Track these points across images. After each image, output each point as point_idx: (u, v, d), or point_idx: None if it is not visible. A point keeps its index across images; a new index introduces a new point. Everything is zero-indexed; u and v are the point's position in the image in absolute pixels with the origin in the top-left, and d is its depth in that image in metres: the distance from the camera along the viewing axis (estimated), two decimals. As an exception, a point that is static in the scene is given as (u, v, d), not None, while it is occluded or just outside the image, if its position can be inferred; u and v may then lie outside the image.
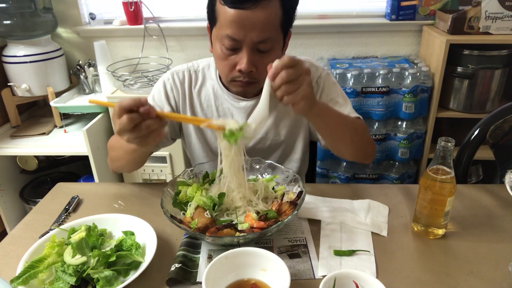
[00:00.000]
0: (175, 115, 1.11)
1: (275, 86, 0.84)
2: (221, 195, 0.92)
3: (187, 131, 1.21)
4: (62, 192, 1.12)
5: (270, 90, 0.85)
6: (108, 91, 2.11)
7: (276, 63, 0.83)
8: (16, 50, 2.02)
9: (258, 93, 1.14)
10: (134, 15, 2.19)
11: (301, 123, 1.20)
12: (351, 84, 1.98)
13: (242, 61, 0.97)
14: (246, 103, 1.15)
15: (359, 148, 1.10)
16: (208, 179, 1.03)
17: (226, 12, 0.93)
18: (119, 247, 0.83)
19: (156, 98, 1.18)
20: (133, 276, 0.76)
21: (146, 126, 0.82)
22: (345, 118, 1.07)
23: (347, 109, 1.14)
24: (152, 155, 1.16)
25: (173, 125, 1.20)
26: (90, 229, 0.87)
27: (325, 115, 0.98)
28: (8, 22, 1.97)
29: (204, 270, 0.73)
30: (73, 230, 0.88)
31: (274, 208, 0.91)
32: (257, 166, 1.08)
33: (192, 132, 1.20)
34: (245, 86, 1.04)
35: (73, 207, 1.04)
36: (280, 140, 1.19)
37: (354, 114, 1.15)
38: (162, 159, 2.08)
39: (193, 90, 1.18)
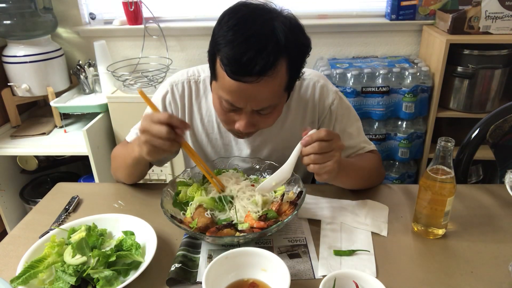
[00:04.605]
0: (194, 153, 0.97)
1: (304, 153, 0.85)
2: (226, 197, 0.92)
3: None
4: (62, 192, 1.12)
5: (299, 154, 0.87)
6: (108, 91, 2.11)
7: (312, 132, 0.84)
8: (16, 50, 2.03)
9: None
10: (134, 15, 2.19)
11: None
12: (351, 84, 1.98)
13: (241, 122, 0.93)
14: None
15: (373, 184, 1.10)
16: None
17: (225, 78, 0.85)
18: (119, 247, 0.83)
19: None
20: (133, 276, 0.76)
21: (169, 145, 0.84)
22: (363, 172, 1.05)
23: (360, 141, 1.13)
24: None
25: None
26: (90, 229, 0.87)
27: (345, 179, 1.00)
28: (8, 22, 1.97)
29: (204, 270, 0.73)
30: (73, 230, 0.88)
31: (274, 208, 0.91)
32: (257, 166, 1.08)
33: (192, 147, 1.17)
34: (245, 136, 1.02)
35: (73, 207, 1.04)
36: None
37: (367, 146, 1.13)
38: (162, 159, 2.08)
39: (193, 103, 1.13)
